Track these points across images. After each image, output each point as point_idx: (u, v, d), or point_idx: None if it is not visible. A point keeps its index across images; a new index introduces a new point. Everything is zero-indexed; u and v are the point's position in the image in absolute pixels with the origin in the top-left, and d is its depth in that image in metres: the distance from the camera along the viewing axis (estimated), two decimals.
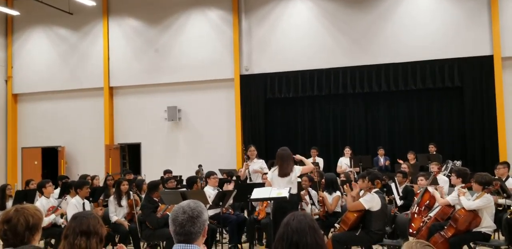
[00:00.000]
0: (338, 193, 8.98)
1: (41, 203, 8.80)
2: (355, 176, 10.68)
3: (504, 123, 14.68)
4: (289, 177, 8.04)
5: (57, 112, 19.20)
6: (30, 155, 19.21)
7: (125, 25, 18.64)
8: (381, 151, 14.66)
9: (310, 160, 14.18)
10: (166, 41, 18.07)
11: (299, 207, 9.23)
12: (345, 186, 7.76)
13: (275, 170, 8.18)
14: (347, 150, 14.35)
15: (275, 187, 7.96)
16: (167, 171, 13.53)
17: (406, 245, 2.93)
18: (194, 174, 11.90)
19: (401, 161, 13.14)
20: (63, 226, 8.71)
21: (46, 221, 8.26)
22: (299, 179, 10.42)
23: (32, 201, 9.25)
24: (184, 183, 11.49)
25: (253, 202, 9.24)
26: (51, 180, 9.59)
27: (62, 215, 8.93)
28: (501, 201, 8.36)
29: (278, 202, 7.67)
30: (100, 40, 18.75)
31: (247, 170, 10.62)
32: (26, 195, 9.38)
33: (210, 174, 10.04)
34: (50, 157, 19.20)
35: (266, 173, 9.85)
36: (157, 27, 18.21)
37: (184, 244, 3.09)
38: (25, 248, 2.75)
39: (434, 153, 13.69)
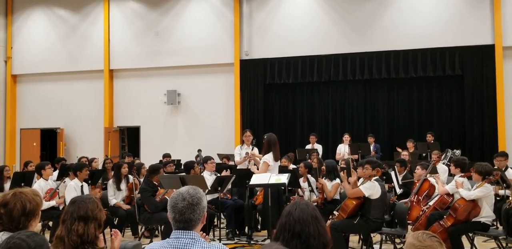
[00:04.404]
0: (338, 180, 8.95)
1: (39, 185, 8.80)
2: (354, 164, 10.64)
3: (503, 113, 14.65)
4: (278, 161, 8.77)
5: (57, 94, 19.09)
6: (29, 136, 19.16)
7: (125, 7, 18.46)
8: (370, 139, 14.59)
9: (309, 146, 14.21)
10: (167, 24, 17.92)
11: (296, 194, 9.23)
12: (342, 173, 7.75)
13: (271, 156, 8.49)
14: (346, 137, 14.32)
15: (273, 171, 8.26)
16: (166, 155, 13.50)
17: (412, 236, 2.89)
18: (192, 159, 11.85)
19: (399, 149, 13.11)
20: (60, 207, 8.70)
21: (45, 205, 8.23)
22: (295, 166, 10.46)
23: (30, 183, 9.22)
24: (183, 167, 11.45)
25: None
26: (50, 162, 9.58)
27: (58, 198, 8.90)
28: (501, 192, 8.36)
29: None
30: (100, 22, 18.59)
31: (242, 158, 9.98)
32: (24, 177, 9.34)
33: (207, 159, 9.96)
34: (49, 138, 19.17)
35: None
36: (157, 10, 18.05)
37: (183, 231, 3.07)
38: (21, 233, 2.72)
39: (432, 142, 13.64)
